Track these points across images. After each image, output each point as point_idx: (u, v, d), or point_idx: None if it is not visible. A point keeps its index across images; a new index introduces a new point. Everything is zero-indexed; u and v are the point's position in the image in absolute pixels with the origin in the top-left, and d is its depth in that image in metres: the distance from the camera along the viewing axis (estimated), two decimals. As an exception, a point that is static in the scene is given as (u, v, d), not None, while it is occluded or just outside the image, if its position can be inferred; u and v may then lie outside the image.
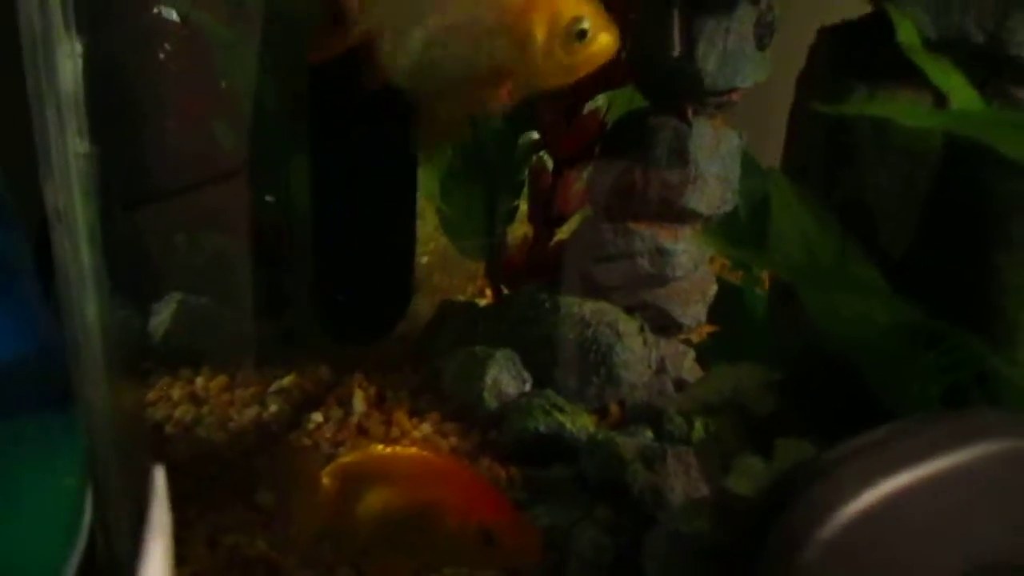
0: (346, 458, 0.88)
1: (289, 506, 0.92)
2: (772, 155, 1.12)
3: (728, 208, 1.23)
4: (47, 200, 0.84)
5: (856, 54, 0.75)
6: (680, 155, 1.18)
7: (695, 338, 1.38)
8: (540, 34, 0.70)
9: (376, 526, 0.83)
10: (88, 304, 0.86)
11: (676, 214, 1.21)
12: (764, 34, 1.16)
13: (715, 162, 1.20)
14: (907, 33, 0.67)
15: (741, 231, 1.43)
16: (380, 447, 0.89)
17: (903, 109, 0.62)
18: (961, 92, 0.68)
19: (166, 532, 0.55)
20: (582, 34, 0.69)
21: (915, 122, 0.58)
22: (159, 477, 0.60)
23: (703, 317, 1.29)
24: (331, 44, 0.81)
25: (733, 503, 0.70)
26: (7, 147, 0.76)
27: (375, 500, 0.83)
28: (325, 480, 0.86)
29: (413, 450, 0.94)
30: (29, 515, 0.63)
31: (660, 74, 1.17)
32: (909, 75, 0.70)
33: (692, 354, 1.31)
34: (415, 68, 0.78)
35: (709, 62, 1.13)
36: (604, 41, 0.71)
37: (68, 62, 0.80)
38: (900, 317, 0.69)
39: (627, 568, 0.97)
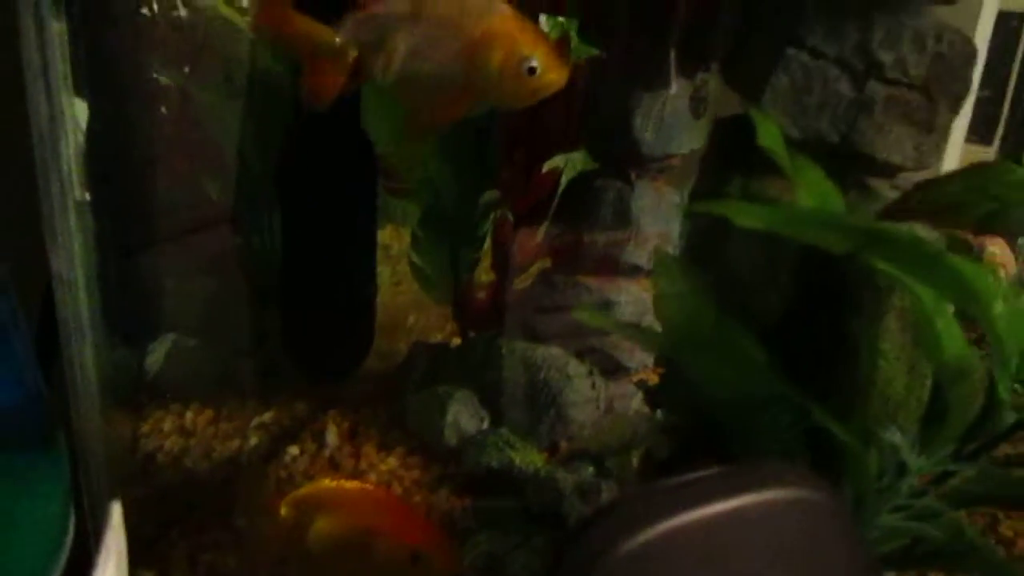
0: (300, 491, 1.00)
1: (253, 532, 1.05)
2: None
3: (669, 262, 1.35)
4: (52, 267, 0.97)
5: (739, 146, 0.87)
6: (622, 214, 1.30)
7: (654, 379, 1.49)
8: (495, 65, 0.80)
9: (324, 549, 0.95)
10: (86, 350, 0.99)
11: (620, 268, 1.32)
12: (699, 106, 1.28)
13: (656, 220, 1.32)
14: (768, 134, 0.78)
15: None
16: (328, 480, 1.02)
17: (738, 209, 0.73)
18: (817, 185, 0.80)
19: (118, 561, 0.67)
20: (532, 70, 0.79)
21: (746, 222, 0.69)
22: (116, 511, 0.72)
23: (650, 361, 1.40)
24: (331, 76, 0.91)
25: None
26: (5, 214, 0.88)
27: (323, 527, 0.95)
28: (283, 510, 0.99)
29: (355, 483, 1.07)
30: (17, 537, 0.75)
31: (605, 140, 1.29)
32: (775, 170, 0.81)
33: (640, 395, 1.43)
34: (399, 77, 0.88)
35: (647, 131, 1.25)
36: (551, 78, 0.81)
37: (72, 131, 0.92)
38: (765, 384, 0.80)
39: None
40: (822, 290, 0.83)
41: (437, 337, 1.63)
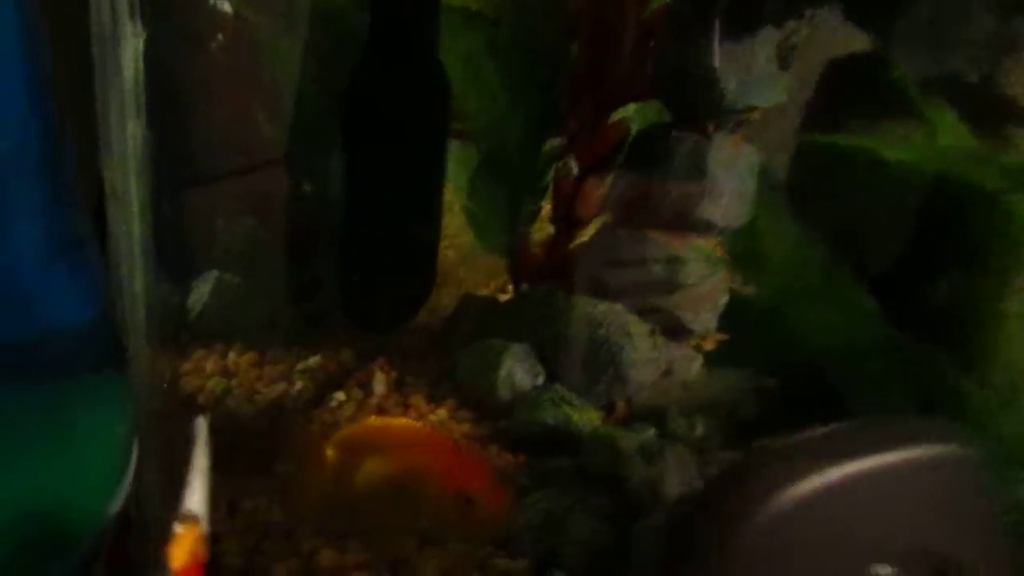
0: (346, 430, 0.94)
1: (298, 477, 1.00)
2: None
3: (742, 222, 1.29)
4: (105, 179, 0.91)
5: (856, 87, 0.81)
6: (697, 168, 1.23)
7: (709, 345, 1.43)
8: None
9: (371, 492, 0.90)
10: (136, 276, 0.93)
11: (691, 224, 1.26)
12: (787, 56, 1.22)
13: (732, 177, 1.25)
14: (901, 71, 0.72)
15: (751, 246, 1.49)
16: (375, 418, 0.96)
17: (888, 143, 0.67)
18: (951, 129, 0.73)
19: (205, 473, 0.63)
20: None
21: (898, 156, 0.63)
22: (202, 427, 0.67)
23: (713, 325, 1.34)
24: None
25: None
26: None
27: (370, 468, 0.89)
28: (328, 452, 0.93)
29: (404, 421, 1.00)
30: (84, 455, 0.70)
31: (683, 90, 1.23)
32: (903, 110, 0.75)
33: (700, 359, 1.37)
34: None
35: (731, 81, 1.19)
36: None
37: (131, 52, 0.88)
38: (878, 334, 0.74)
39: (621, 556, 1.03)
40: (942, 243, 0.77)
41: (483, 292, 1.57)
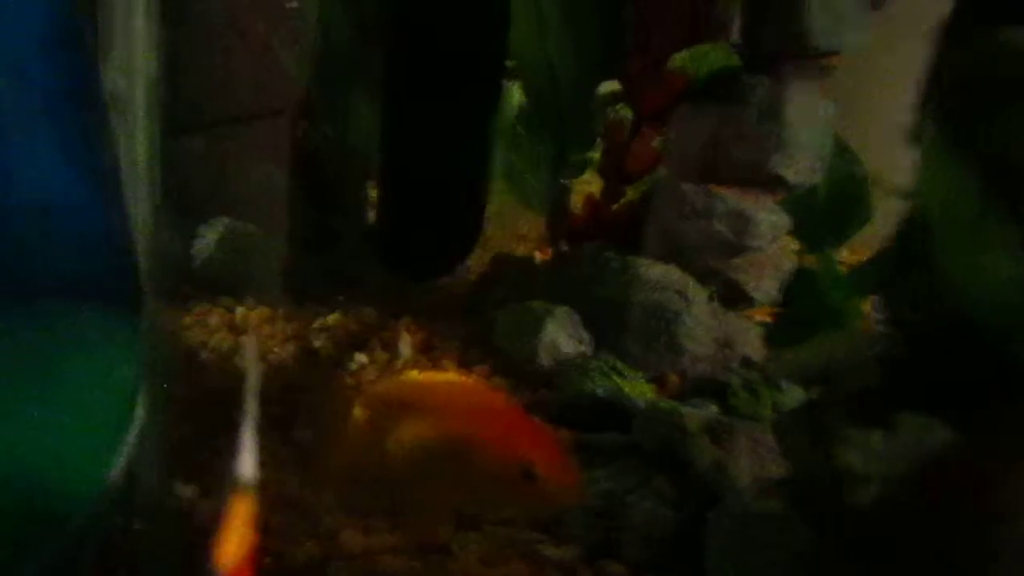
0: (378, 386, 0.80)
1: (321, 442, 0.85)
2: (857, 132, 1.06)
3: (816, 179, 1.16)
4: (104, 83, 0.78)
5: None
6: (773, 118, 1.10)
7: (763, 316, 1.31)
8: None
9: (408, 461, 0.74)
10: (139, 203, 0.80)
11: (761, 180, 1.13)
12: (880, -7, 1.09)
13: (808, 129, 1.12)
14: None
15: (818, 210, 1.35)
16: (415, 372, 0.80)
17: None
18: None
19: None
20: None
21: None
22: (252, 344, 0.54)
23: (775, 293, 1.21)
24: None
25: (845, 480, 0.63)
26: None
27: (407, 433, 0.73)
28: (357, 411, 0.78)
29: (451, 375, 0.85)
30: (78, 399, 0.57)
31: (762, 30, 1.09)
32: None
33: (759, 331, 1.24)
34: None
35: (817, 20, 1.05)
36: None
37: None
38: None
39: (685, 545, 0.90)
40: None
41: (519, 252, 1.44)
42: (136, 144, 0.81)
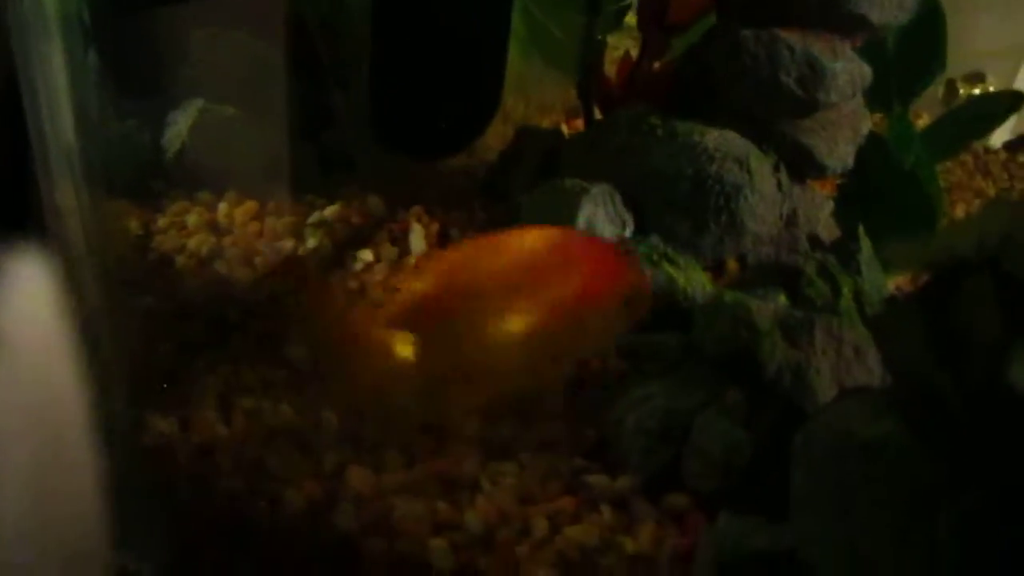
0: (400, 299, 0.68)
1: (331, 361, 0.70)
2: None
3: (904, 19, 0.96)
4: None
5: None
6: (853, -61, 0.90)
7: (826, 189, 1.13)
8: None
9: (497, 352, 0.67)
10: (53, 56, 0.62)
11: (839, 20, 0.93)
12: None
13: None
14: None
15: (886, 61, 1.16)
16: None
17: None
18: None
19: None
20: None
21: None
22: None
23: (851, 161, 1.02)
24: None
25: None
26: None
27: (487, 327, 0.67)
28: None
29: (491, 240, 0.72)
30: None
31: None
32: None
33: (831, 206, 1.06)
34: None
35: None
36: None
37: None
38: None
39: (762, 471, 0.74)
40: None
41: (545, 124, 1.26)
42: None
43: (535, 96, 1.36)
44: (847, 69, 0.94)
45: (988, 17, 1.57)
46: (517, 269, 0.70)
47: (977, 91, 1.79)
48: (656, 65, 1.08)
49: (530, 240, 0.73)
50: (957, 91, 1.79)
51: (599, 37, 1.05)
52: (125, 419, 0.77)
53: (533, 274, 0.70)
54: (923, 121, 1.51)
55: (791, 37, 0.93)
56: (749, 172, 0.95)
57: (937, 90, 1.74)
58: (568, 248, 0.73)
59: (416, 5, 0.88)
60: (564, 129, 1.30)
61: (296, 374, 0.82)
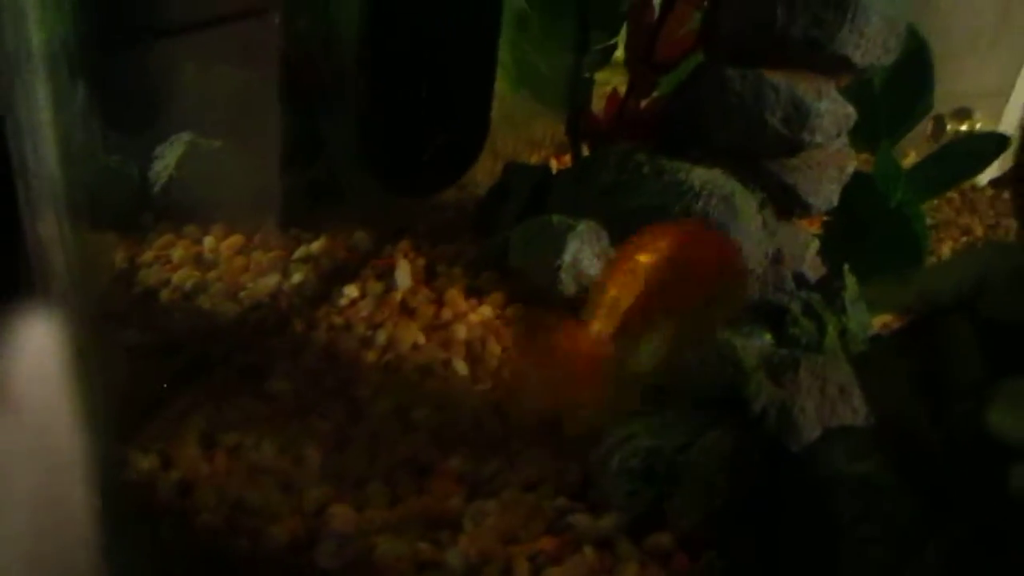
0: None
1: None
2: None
3: (888, 60, 0.97)
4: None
5: None
6: (838, -9, 0.91)
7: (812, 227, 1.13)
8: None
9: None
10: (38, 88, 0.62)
11: (823, 61, 0.94)
12: None
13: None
14: None
15: (874, 99, 1.17)
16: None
17: None
18: None
19: None
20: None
21: None
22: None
23: (835, 200, 1.03)
24: None
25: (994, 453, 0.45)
26: None
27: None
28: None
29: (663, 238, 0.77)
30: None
31: None
32: None
33: (816, 244, 1.06)
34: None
35: None
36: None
37: None
38: None
39: (748, 511, 0.73)
40: None
41: (534, 159, 1.26)
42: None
43: (525, 131, 1.37)
44: (831, 109, 0.95)
45: (973, 59, 1.58)
46: (689, 267, 0.77)
47: (964, 127, 1.81)
48: (644, 103, 1.09)
49: (688, 235, 0.78)
50: (945, 127, 1.80)
51: (586, 75, 1.06)
52: (108, 455, 0.77)
53: (697, 270, 0.78)
54: (910, 159, 1.52)
55: (776, 77, 0.94)
56: (735, 210, 0.95)
57: (926, 126, 1.75)
58: (710, 240, 0.81)
59: (400, 43, 0.88)
60: (554, 164, 1.31)
61: (278, 410, 0.81)
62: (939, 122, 1.82)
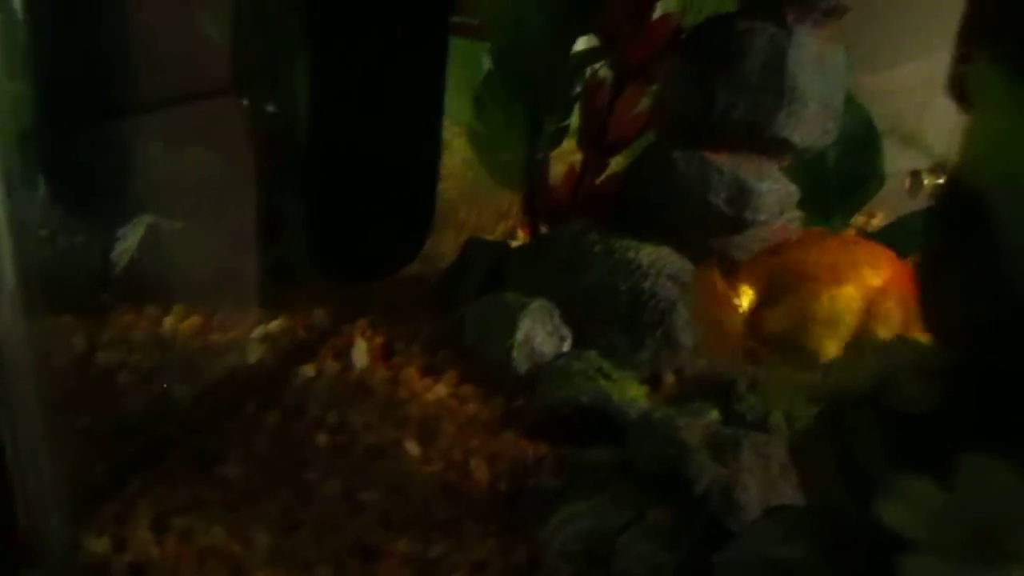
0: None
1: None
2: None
3: (827, 141, 1.00)
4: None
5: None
6: (776, 69, 0.94)
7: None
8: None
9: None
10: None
11: (764, 144, 0.97)
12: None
13: (817, 82, 0.96)
14: None
15: (827, 174, 1.20)
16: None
17: None
18: None
19: None
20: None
21: None
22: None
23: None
24: None
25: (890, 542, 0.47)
26: None
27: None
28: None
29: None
30: None
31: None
32: None
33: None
34: None
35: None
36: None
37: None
38: None
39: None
40: None
41: (498, 232, 1.29)
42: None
43: (490, 203, 1.39)
44: (773, 189, 0.97)
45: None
46: (837, 261, 0.83)
47: (942, 181, 1.84)
48: (598, 181, 1.12)
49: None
50: (922, 182, 1.84)
51: (540, 155, 1.08)
52: (61, 538, 0.78)
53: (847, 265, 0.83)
54: (877, 220, 1.55)
55: (720, 159, 0.97)
56: (683, 288, 0.97)
57: (903, 181, 1.78)
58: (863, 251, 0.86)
59: (342, 130, 0.91)
60: (520, 235, 1.33)
61: (230, 493, 0.82)
62: (916, 178, 1.86)
